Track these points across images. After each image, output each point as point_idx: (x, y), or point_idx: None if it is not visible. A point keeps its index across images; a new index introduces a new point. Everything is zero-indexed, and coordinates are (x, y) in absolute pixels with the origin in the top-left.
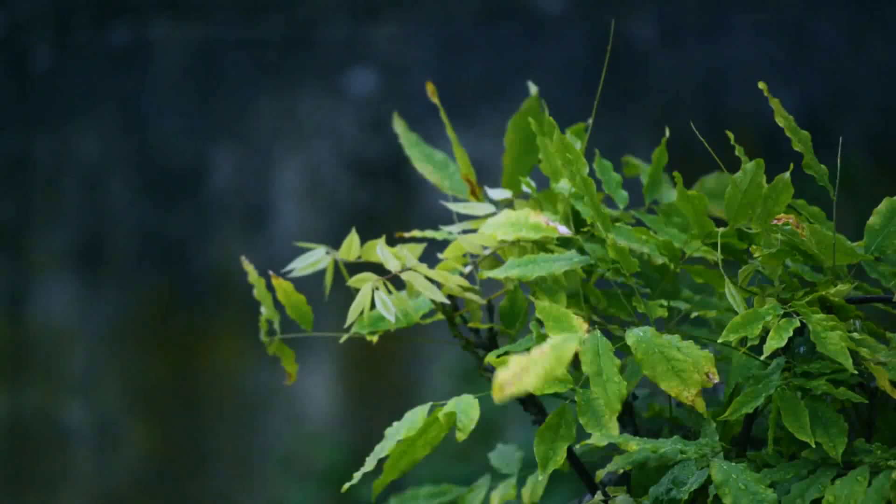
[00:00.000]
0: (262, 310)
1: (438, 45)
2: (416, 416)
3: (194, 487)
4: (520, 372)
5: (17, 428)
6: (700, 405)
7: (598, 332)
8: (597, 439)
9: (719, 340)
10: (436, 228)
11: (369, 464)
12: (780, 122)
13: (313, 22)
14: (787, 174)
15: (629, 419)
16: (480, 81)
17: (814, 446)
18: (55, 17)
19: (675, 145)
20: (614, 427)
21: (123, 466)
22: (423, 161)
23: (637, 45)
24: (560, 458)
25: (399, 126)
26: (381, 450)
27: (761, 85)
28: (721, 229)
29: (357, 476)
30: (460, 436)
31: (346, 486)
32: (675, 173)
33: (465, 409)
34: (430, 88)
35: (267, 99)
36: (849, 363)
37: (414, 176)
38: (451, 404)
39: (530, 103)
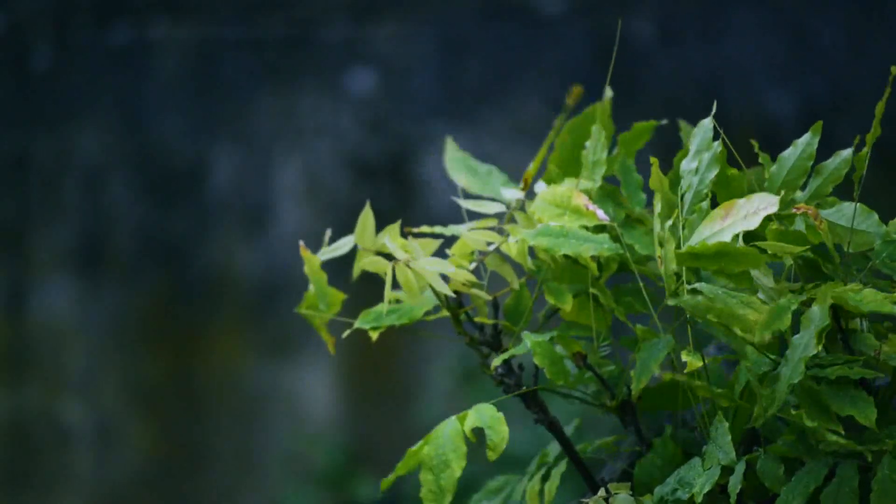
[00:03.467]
0: (311, 287)
1: (438, 45)
2: (454, 439)
3: (194, 487)
4: None
5: (17, 428)
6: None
7: None
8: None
9: (755, 341)
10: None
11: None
12: (877, 111)
13: (313, 22)
14: (849, 151)
15: (631, 419)
16: (480, 81)
17: (842, 433)
18: (55, 16)
19: (675, 145)
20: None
21: (123, 466)
22: (464, 172)
23: (637, 44)
24: (656, 365)
25: (449, 147)
26: (441, 490)
27: (892, 70)
28: None
29: None
30: (492, 455)
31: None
32: (721, 147)
33: (493, 425)
34: (577, 91)
35: (267, 99)
36: (893, 309)
37: (414, 176)
38: (475, 416)
39: (601, 108)
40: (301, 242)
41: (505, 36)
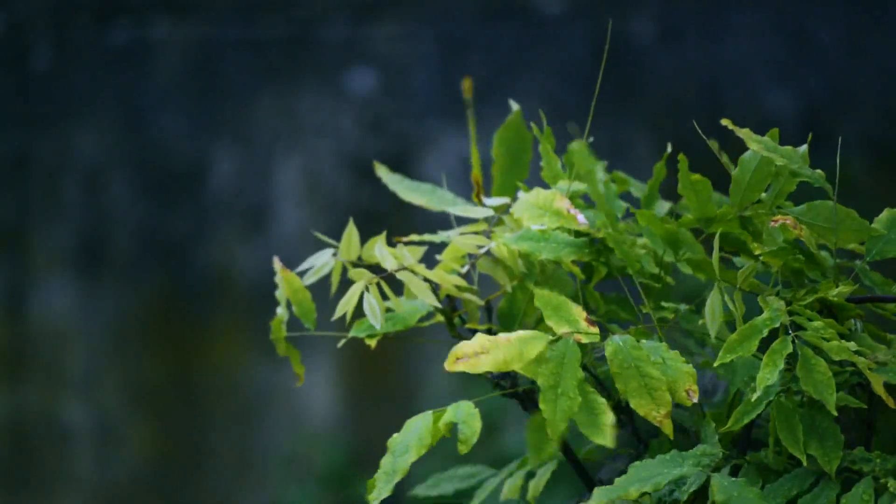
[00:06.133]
0: (279, 310)
1: (438, 45)
2: (421, 431)
3: (194, 487)
4: (479, 352)
5: (17, 428)
6: (668, 427)
7: (571, 339)
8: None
9: (716, 364)
10: (434, 229)
11: (387, 488)
12: (752, 146)
13: (313, 22)
14: (804, 147)
15: (628, 419)
16: (480, 81)
17: (805, 464)
18: (55, 16)
19: (674, 145)
20: (609, 428)
21: (123, 466)
22: (411, 192)
23: (637, 44)
24: (549, 449)
25: (381, 171)
26: (395, 470)
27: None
28: (721, 210)
29: (376, 501)
30: (463, 448)
31: None
32: (680, 155)
33: (467, 420)
34: (467, 84)
35: (267, 99)
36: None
37: (414, 176)
38: (451, 412)
39: (514, 118)
40: (276, 258)
41: (505, 36)
